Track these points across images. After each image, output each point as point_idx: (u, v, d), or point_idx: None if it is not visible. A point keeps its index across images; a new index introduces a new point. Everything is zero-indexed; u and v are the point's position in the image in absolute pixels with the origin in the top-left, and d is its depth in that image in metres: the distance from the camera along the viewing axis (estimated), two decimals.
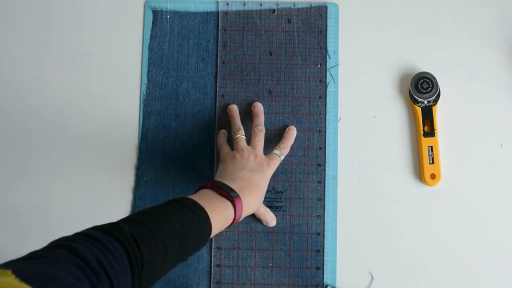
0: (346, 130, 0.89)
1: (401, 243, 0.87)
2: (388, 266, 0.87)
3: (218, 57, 0.91)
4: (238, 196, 0.74)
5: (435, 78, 0.87)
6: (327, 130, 0.89)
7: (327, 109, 0.90)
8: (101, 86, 0.91)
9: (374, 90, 0.90)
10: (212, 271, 0.87)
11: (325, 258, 0.87)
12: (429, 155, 0.87)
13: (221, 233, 0.87)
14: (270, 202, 0.88)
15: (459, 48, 0.90)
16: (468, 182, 0.88)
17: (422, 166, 0.87)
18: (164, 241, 0.62)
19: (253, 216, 0.86)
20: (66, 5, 0.93)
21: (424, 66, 0.90)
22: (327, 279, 0.87)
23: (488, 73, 0.89)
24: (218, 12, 0.92)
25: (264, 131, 0.86)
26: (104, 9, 0.93)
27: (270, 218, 0.87)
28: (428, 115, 0.88)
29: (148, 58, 0.91)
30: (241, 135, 0.85)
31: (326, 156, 0.89)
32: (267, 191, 0.85)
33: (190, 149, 0.90)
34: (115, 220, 0.63)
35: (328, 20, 0.91)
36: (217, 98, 0.90)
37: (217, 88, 0.91)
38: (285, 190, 0.88)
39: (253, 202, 0.78)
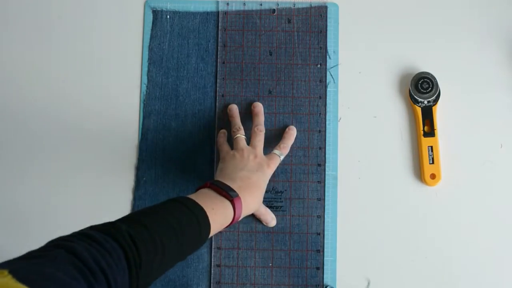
0: (346, 130, 0.89)
1: (401, 243, 0.87)
2: (388, 266, 0.87)
3: (218, 57, 0.91)
4: (237, 195, 0.74)
5: (435, 78, 0.87)
6: (327, 130, 0.89)
7: (327, 109, 0.90)
8: (101, 86, 0.91)
9: (374, 90, 0.90)
10: (212, 271, 0.87)
11: (325, 258, 0.87)
12: (429, 155, 0.87)
13: (221, 233, 0.87)
14: (270, 202, 0.88)
15: (459, 48, 0.90)
16: (468, 182, 0.88)
17: (422, 166, 0.87)
18: (162, 240, 0.62)
19: (253, 216, 0.86)
20: (66, 5, 0.93)
21: (424, 66, 0.90)
22: (327, 279, 0.87)
23: (488, 73, 0.89)
24: (218, 12, 0.92)
25: (264, 131, 0.86)
26: (104, 9, 0.93)
27: (270, 218, 0.87)
28: (428, 115, 0.88)
29: (148, 58, 0.91)
30: (241, 135, 0.85)
31: (326, 156, 0.89)
32: (267, 191, 0.85)
33: (190, 149, 0.90)
34: (114, 220, 0.63)
35: (328, 20, 0.91)
36: (217, 98, 0.90)
37: (217, 88, 0.91)
38: (285, 190, 0.88)
39: (252, 201, 0.78)
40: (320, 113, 0.90)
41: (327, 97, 0.90)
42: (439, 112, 0.88)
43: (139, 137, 0.90)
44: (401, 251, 0.87)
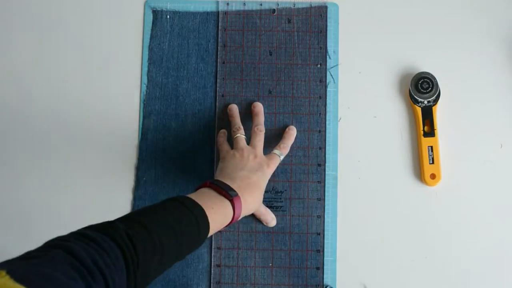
0: (346, 130, 0.89)
1: (401, 243, 0.87)
2: (388, 266, 0.87)
3: (218, 57, 0.91)
4: (237, 195, 0.74)
5: (435, 78, 0.87)
6: (327, 130, 0.89)
7: (327, 109, 0.90)
8: (101, 86, 0.91)
9: (374, 90, 0.90)
10: (212, 271, 0.87)
11: (325, 258, 0.87)
12: (429, 155, 0.87)
13: (221, 233, 0.87)
14: (270, 202, 0.88)
15: (459, 48, 0.90)
16: (468, 182, 0.88)
17: (422, 166, 0.87)
18: (161, 240, 0.62)
19: (253, 216, 0.86)
20: (66, 6, 0.93)
21: (424, 66, 0.90)
22: (327, 279, 0.86)
23: (488, 73, 0.90)
24: (218, 12, 0.92)
25: (264, 131, 0.86)
26: (104, 9, 0.93)
27: (270, 218, 0.87)
28: (428, 115, 0.88)
29: (148, 58, 0.91)
30: (241, 135, 0.85)
31: (326, 156, 0.89)
32: (267, 191, 0.85)
33: (190, 149, 0.90)
34: (112, 219, 0.63)
35: (328, 20, 0.91)
36: (217, 98, 0.90)
37: (217, 88, 0.91)
38: (285, 190, 0.88)
39: (252, 201, 0.78)
40: (320, 113, 0.90)
41: (327, 97, 0.90)
42: (439, 112, 0.88)
43: (139, 137, 0.90)
44: (401, 251, 0.87)
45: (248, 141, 0.85)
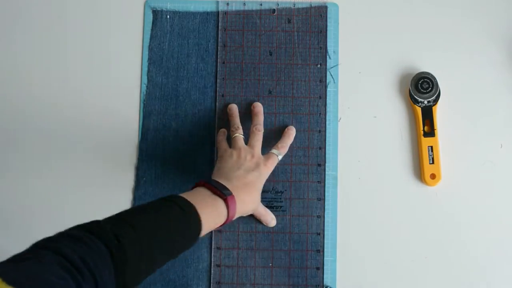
0: (346, 130, 0.89)
1: (401, 243, 0.87)
2: (388, 266, 0.87)
3: (218, 57, 0.91)
4: (231, 194, 0.74)
5: (435, 78, 0.87)
6: (327, 130, 0.89)
7: (327, 109, 0.90)
8: (101, 86, 0.91)
9: (374, 90, 0.90)
10: (212, 271, 0.87)
11: (325, 258, 0.87)
12: (429, 155, 0.87)
13: (220, 232, 0.87)
14: (270, 202, 0.88)
15: (459, 48, 0.90)
16: (468, 182, 0.88)
17: (422, 166, 0.87)
18: (149, 238, 0.62)
19: (253, 217, 0.86)
20: (66, 5, 0.93)
21: (424, 66, 0.90)
22: (327, 279, 0.86)
23: (488, 73, 0.90)
24: (218, 12, 0.92)
25: (262, 131, 0.86)
26: (104, 9, 0.93)
27: (270, 219, 0.87)
28: (428, 115, 0.88)
29: (148, 58, 0.91)
30: (239, 134, 0.85)
31: (326, 156, 0.89)
32: (267, 191, 0.85)
33: (190, 149, 0.90)
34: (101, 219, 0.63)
35: (328, 20, 0.91)
36: (217, 98, 0.90)
37: (217, 88, 0.91)
38: (285, 190, 0.88)
39: (249, 201, 0.79)
40: (320, 113, 0.90)
41: (327, 97, 0.90)
42: (439, 112, 0.88)
43: (139, 137, 0.90)
44: (401, 251, 0.87)
45: (247, 141, 0.85)
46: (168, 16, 0.92)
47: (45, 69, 0.92)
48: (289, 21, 0.91)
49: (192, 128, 0.90)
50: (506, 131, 0.89)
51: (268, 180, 0.83)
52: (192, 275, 0.87)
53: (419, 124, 0.88)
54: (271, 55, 0.91)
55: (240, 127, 0.86)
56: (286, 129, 0.88)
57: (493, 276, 0.86)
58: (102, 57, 0.92)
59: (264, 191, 0.84)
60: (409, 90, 0.88)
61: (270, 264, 0.87)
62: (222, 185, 0.75)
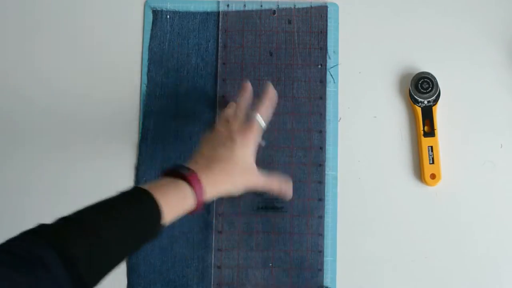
0: (346, 130, 0.89)
1: (401, 243, 0.87)
2: (388, 266, 0.87)
3: (218, 57, 0.91)
4: (191, 172, 0.70)
5: (435, 78, 0.87)
6: (327, 130, 0.89)
7: (327, 109, 0.90)
8: (101, 86, 0.91)
9: (374, 90, 0.90)
10: (212, 272, 0.87)
11: (325, 259, 0.87)
12: (429, 155, 0.87)
13: (220, 233, 0.87)
14: (270, 202, 0.88)
15: (459, 48, 0.90)
16: (468, 182, 0.88)
17: (422, 166, 0.87)
18: (99, 233, 0.60)
19: (253, 217, 0.86)
20: (66, 5, 0.93)
21: (424, 66, 0.90)
22: (327, 280, 0.86)
23: (488, 73, 0.90)
24: (218, 12, 0.92)
25: (263, 122, 0.79)
26: (104, 9, 0.93)
27: (277, 185, 0.80)
28: (428, 115, 0.88)
29: (148, 58, 0.91)
30: (230, 108, 0.80)
31: (326, 156, 0.89)
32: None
33: (190, 149, 0.89)
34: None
35: (328, 20, 0.91)
36: (217, 98, 0.90)
37: (218, 89, 0.91)
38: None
39: (225, 179, 0.73)
40: (320, 113, 0.90)
41: (327, 97, 0.90)
42: (439, 112, 0.88)
43: (139, 137, 0.90)
44: (401, 251, 0.87)
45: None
46: (168, 16, 0.92)
47: (45, 69, 0.92)
48: (289, 22, 0.92)
49: (192, 128, 0.90)
50: (506, 131, 0.89)
51: (251, 152, 0.77)
52: (192, 275, 0.87)
53: (419, 124, 0.88)
54: (271, 55, 0.91)
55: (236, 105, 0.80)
56: (264, 89, 0.80)
57: (493, 276, 0.86)
58: (102, 57, 0.92)
59: (249, 164, 0.77)
60: (409, 90, 0.88)
61: (270, 265, 0.87)
62: (181, 165, 0.71)
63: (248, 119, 0.77)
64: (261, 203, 0.87)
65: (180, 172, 0.69)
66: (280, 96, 0.90)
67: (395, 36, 0.91)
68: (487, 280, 0.86)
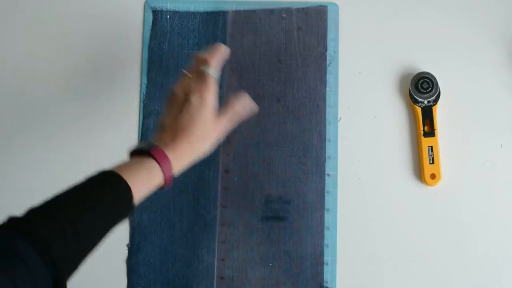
0: (346, 130, 0.89)
1: (401, 243, 0.87)
2: (388, 266, 0.87)
3: None
4: (157, 148, 0.69)
5: (435, 78, 0.87)
6: (327, 130, 0.89)
7: (327, 109, 0.90)
8: (101, 86, 0.91)
9: (374, 90, 0.90)
10: (214, 271, 0.87)
11: (325, 259, 0.87)
12: (429, 155, 0.87)
13: (220, 233, 0.87)
14: (274, 212, 0.87)
15: (459, 48, 0.90)
16: (468, 182, 0.88)
17: (422, 166, 0.87)
18: (69, 218, 0.59)
19: (253, 216, 0.86)
20: (66, 5, 0.93)
21: (424, 66, 0.90)
22: (327, 279, 0.86)
23: (488, 73, 0.90)
24: (218, 12, 0.92)
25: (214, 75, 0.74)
26: (104, 9, 0.93)
27: (240, 112, 0.76)
28: (428, 115, 0.88)
29: (148, 58, 0.91)
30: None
31: (326, 156, 0.89)
32: None
33: None
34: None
35: (328, 20, 0.91)
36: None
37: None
38: (285, 190, 0.88)
39: (190, 147, 0.71)
40: (320, 113, 0.89)
41: (327, 97, 0.90)
42: (439, 112, 0.88)
43: (139, 137, 0.90)
44: (401, 251, 0.87)
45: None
46: (168, 16, 0.92)
47: (45, 69, 0.92)
48: (289, 21, 0.92)
49: None
50: (506, 131, 0.89)
51: (211, 110, 0.73)
52: (192, 275, 0.87)
53: (419, 124, 0.88)
54: (271, 55, 0.91)
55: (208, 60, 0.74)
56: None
57: (493, 276, 0.86)
58: (102, 57, 0.92)
59: (210, 122, 0.73)
60: (409, 90, 0.88)
61: (270, 265, 0.87)
62: (147, 142, 0.71)
63: (201, 75, 0.73)
64: (265, 212, 0.87)
65: (146, 150, 0.69)
66: (280, 96, 0.90)
67: (395, 36, 0.91)
68: (487, 280, 0.86)
